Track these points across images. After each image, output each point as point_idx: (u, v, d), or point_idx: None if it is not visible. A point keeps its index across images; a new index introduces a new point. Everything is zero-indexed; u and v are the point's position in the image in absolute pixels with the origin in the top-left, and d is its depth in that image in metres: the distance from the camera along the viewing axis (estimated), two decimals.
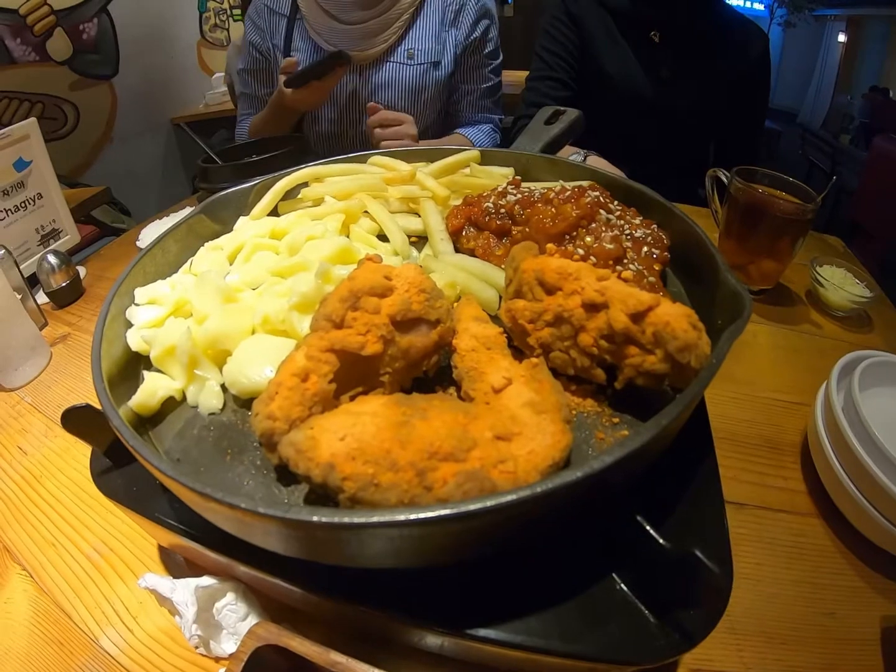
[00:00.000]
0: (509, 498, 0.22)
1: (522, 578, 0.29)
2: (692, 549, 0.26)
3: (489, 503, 0.22)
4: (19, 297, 0.82)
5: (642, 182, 0.74)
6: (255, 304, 0.38)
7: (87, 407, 0.37)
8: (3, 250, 0.82)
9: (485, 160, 0.60)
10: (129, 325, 0.41)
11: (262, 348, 0.35)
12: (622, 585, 0.28)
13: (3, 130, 0.94)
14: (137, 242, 0.99)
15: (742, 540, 0.54)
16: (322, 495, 0.28)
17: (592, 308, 0.29)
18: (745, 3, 15.73)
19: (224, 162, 1.11)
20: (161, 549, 0.54)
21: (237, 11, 4.06)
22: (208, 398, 0.36)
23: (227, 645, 0.39)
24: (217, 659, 0.43)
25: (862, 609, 0.50)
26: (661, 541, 0.27)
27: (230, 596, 0.38)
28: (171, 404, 0.38)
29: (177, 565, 0.50)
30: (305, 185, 0.58)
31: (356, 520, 0.23)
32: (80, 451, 0.67)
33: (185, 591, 0.38)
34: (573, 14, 1.30)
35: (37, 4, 2.96)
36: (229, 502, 0.24)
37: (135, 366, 0.41)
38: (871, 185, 5.28)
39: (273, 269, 0.42)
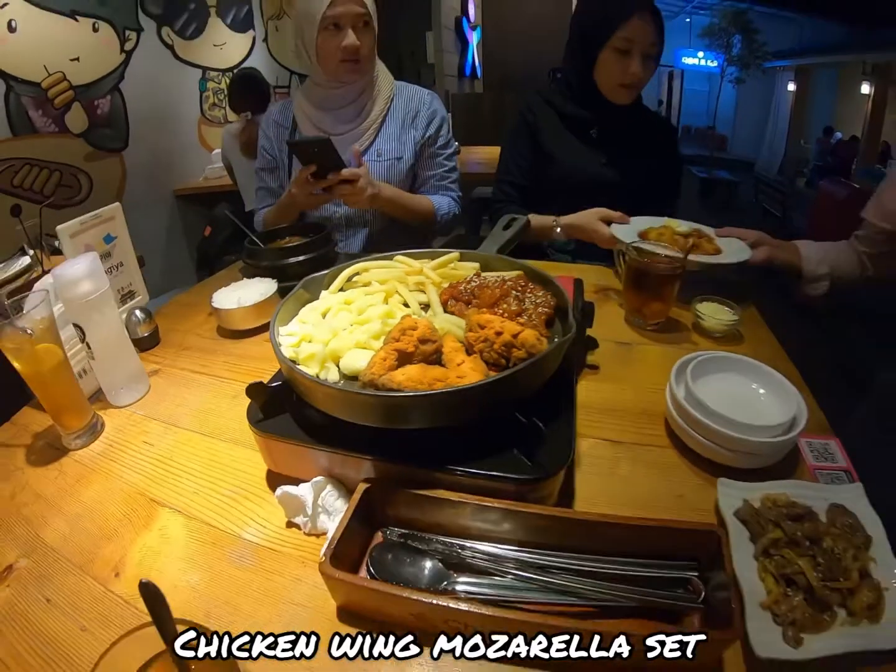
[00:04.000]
0: (461, 387, 0.59)
1: (475, 445, 0.64)
2: (549, 434, 0.62)
3: (453, 388, 0.59)
4: None
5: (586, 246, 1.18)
6: (349, 336, 0.74)
7: (260, 383, 0.71)
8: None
9: (463, 258, 0.96)
10: (279, 344, 0.75)
11: (358, 354, 0.71)
12: (517, 451, 0.63)
13: (97, 212, 1.12)
14: (214, 304, 1.19)
15: (621, 459, 0.81)
16: None
17: (498, 334, 0.66)
18: (699, 62, 16.32)
19: (264, 245, 1.40)
20: (272, 482, 0.77)
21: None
22: (332, 376, 0.72)
23: (326, 522, 0.68)
24: (318, 535, 0.69)
25: (701, 493, 0.75)
26: (540, 425, 0.61)
27: (329, 486, 0.69)
28: None
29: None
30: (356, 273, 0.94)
31: (411, 394, 0.60)
32: (198, 442, 0.89)
33: (305, 488, 0.68)
34: (529, 123, 1.72)
35: (57, 80, 3.27)
36: (361, 392, 0.62)
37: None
38: (817, 226, 5.69)
39: (353, 321, 0.79)
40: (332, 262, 1.35)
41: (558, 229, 1.55)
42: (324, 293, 0.89)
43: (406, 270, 0.91)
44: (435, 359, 0.69)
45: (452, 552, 0.61)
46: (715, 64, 13.74)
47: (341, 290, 0.91)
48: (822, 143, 12.78)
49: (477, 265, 0.94)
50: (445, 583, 0.59)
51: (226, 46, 4.69)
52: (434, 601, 0.53)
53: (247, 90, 3.62)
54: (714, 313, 1.16)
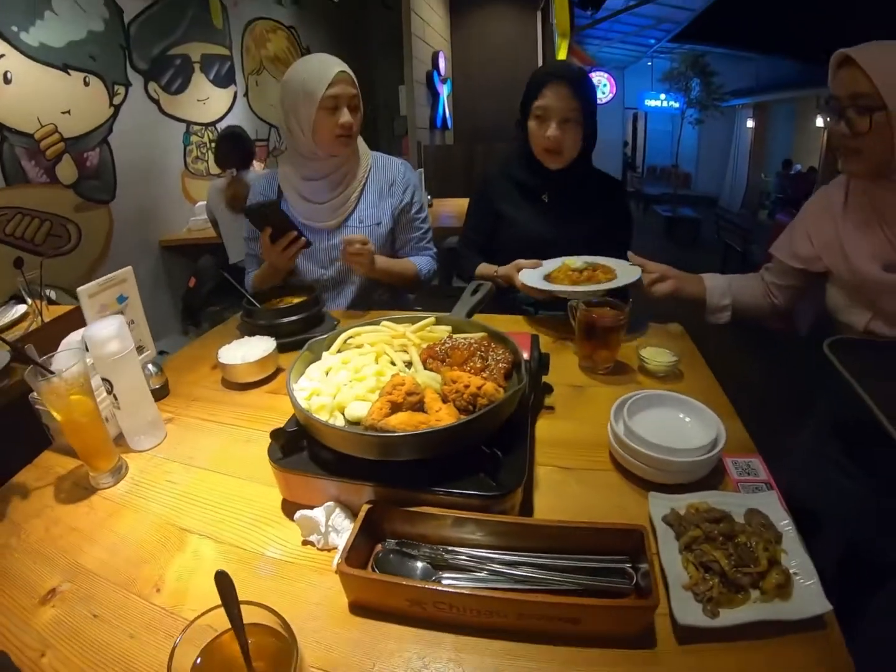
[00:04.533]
0: (439, 428, 0.80)
1: (452, 472, 0.83)
2: (506, 459, 0.81)
3: (433, 429, 0.80)
4: None
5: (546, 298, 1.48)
6: (350, 391, 0.93)
7: (282, 428, 0.88)
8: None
9: (438, 322, 1.15)
10: (296, 397, 0.92)
11: (358, 405, 0.90)
12: (483, 475, 0.82)
13: (112, 275, 1.21)
14: (221, 359, 1.32)
15: (571, 482, 0.96)
16: None
17: (466, 387, 0.86)
18: (661, 104, 16.66)
19: (259, 304, 1.57)
20: (287, 510, 0.89)
21: (213, 144, 4.42)
22: (339, 422, 0.90)
23: (335, 539, 0.83)
24: (330, 550, 0.82)
25: (637, 505, 0.90)
26: (499, 454, 0.80)
27: (338, 510, 0.85)
28: None
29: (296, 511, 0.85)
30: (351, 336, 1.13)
31: (403, 434, 0.80)
32: (217, 480, 0.99)
33: (319, 511, 0.84)
34: (488, 193, 1.93)
35: (50, 131, 3.40)
36: (364, 433, 0.82)
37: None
38: None
39: (351, 377, 0.98)
40: (320, 321, 1.56)
41: (498, 279, 1.75)
42: (325, 354, 1.09)
43: (391, 334, 1.11)
44: (419, 407, 0.88)
45: (438, 555, 0.78)
46: (677, 105, 14.15)
47: (339, 350, 1.10)
48: (782, 175, 13.10)
49: (449, 328, 1.14)
50: (433, 578, 0.76)
51: (209, 101, 4.87)
52: (425, 586, 0.70)
53: (232, 147, 3.77)
54: (655, 356, 1.31)
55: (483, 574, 0.76)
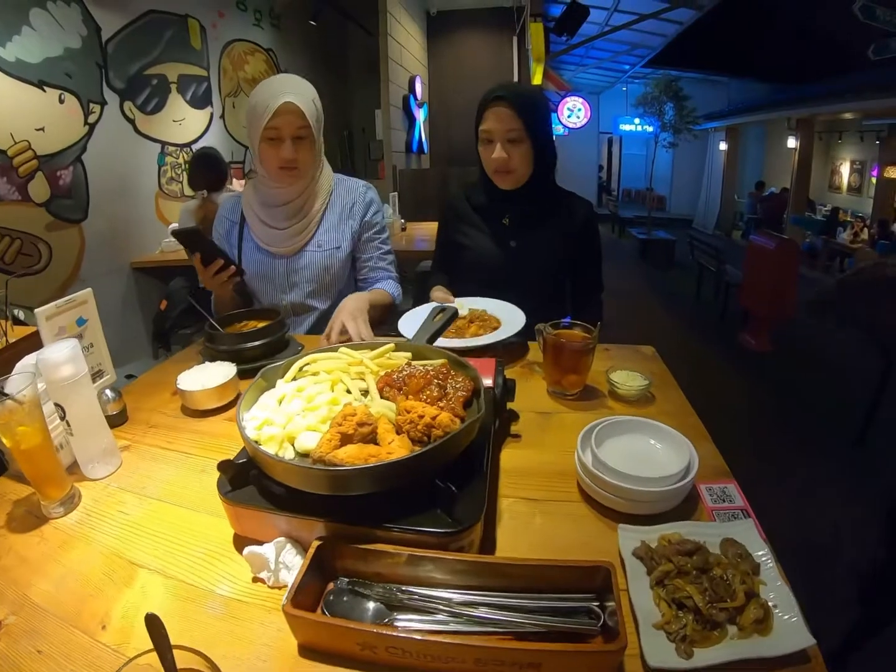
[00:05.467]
0: (390, 461, 0.76)
1: (407, 507, 0.79)
2: (463, 494, 0.78)
3: (384, 462, 0.76)
4: None
5: None
6: (302, 421, 0.90)
7: (230, 460, 0.84)
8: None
9: (398, 348, 1.11)
10: (244, 427, 0.88)
11: (309, 436, 0.87)
12: (439, 510, 0.78)
13: (70, 297, 1.20)
14: (179, 385, 1.28)
15: (536, 514, 0.92)
16: None
17: (420, 417, 0.83)
18: (636, 128, 17.04)
19: (223, 328, 1.53)
20: (238, 545, 0.86)
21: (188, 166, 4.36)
22: (288, 454, 0.86)
23: (287, 576, 0.79)
24: (280, 588, 0.79)
25: (606, 539, 0.86)
26: (453, 489, 0.76)
27: (288, 545, 0.81)
28: None
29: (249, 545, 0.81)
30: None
31: (351, 468, 0.76)
32: (169, 511, 0.96)
33: (268, 547, 0.80)
34: (449, 218, 1.97)
35: (23, 148, 3.36)
36: (310, 466, 0.78)
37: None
38: (750, 276, 6.02)
39: (304, 407, 0.94)
40: (285, 346, 1.52)
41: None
42: (279, 381, 1.05)
43: (349, 361, 1.07)
44: (371, 438, 0.85)
45: (393, 595, 0.74)
46: (651, 129, 14.41)
47: (294, 378, 1.06)
48: (755, 196, 13.45)
49: (409, 355, 1.10)
50: (387, 620, 0.72)
51: (184, 122, 4.87)
52: (376, 630, 0.66)
53: (204, 169, 3.80)
54: (626, 381, 1.29)
55: (441, 616, 0.72)
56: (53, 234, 3.64)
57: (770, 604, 0.71)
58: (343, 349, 1.11)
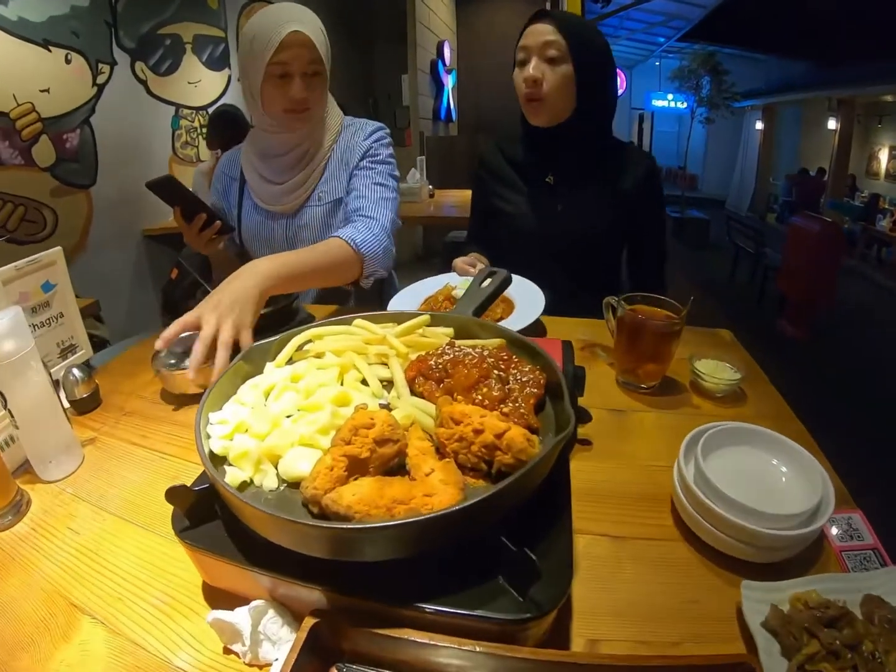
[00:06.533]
0: (427, 517, 0.46)
1: (450, 573, 0.51)
2: (541, 560, 0.50)
3: (417, 518, 0.46)
4: None
5: (566, 303, 1.04)
6: (292, 428, 0.61)
7: (183, 487, 0.58)
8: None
9: (434, 322, 0.84)
10: (209, 435, 0.63)
11: (300, 454, 0.58)
12: (503, 580, 0.50)
13: (34, 257, 1.04)
14: (156, 365, 1.08)
15: (624, 559, 0.71)
16: None
17: (477, 433, 0.54)
18: (669, 104, 16.83)
19: None
20: (209, 594, 0.66)
21: (204, 130, 4.30)
22: (270, 481, 0.58)
23: (269, 652, 0.56)
24: (261, 666, 0.57)
25: (718, 597, 0.65)
26: (533, 557, 0.48)
27: (271, 612, 0.57)
28: (243, 486, 0.59)
29: (223, 602, 0.61)
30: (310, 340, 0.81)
31: (369, 525, 0.47)
32: (129, 534, 0.78)
33: (241, 614, 0.56)
34: (481, 177, 1.71)
35: (26, 110, 3.22)
36: (292, 519, 0.48)
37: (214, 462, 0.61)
38: (790, 261, 5.79)
39: (299, 405, 0.66)
40: (292, 317, 1.25)
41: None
42: (269, 365, 0.76)
43: (366, 338, 0.79)
44: (396, 463, 0.57)
45: None
46: (684, 105, 14.06)
47: (290, 361, 0.79)
48: (792, 178, 13.10)
49: (450, 331, 0.82)
50: None
51: (200, 84, 4.65)
52: None
53: (223, 127, 3.61)
54: (714, 372, 1.07)
55: None
56: (59, 200, 3.49)
57: None
58: (359, 321, 0.83)
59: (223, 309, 0.99)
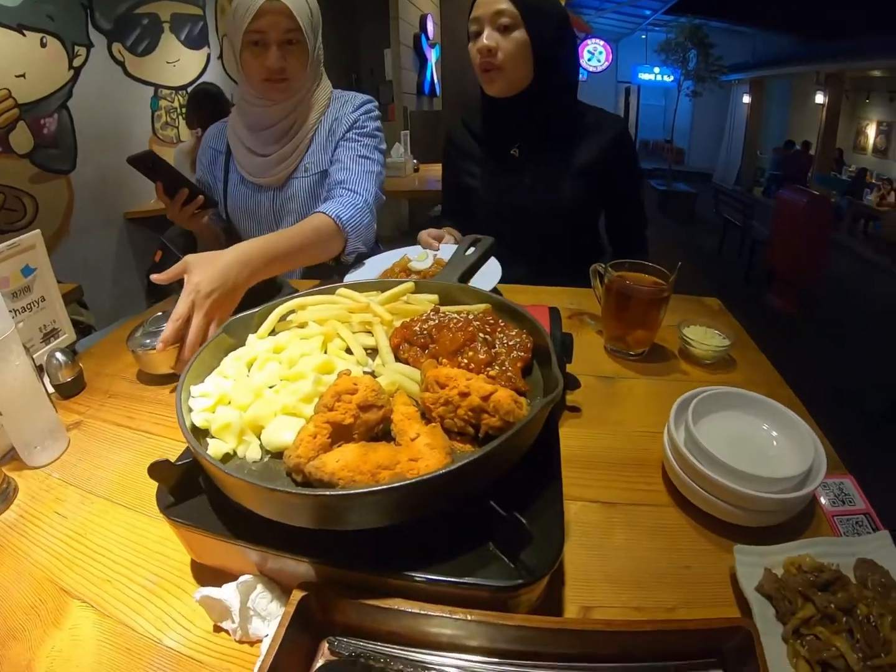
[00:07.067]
0: (412, 481, 0.45)
1: (439, 541, 0.50)
2: (532, 525, 0.49)
3: (402, 483, 0.45)
4: None
5: (545, 274, 1.02)
6: (274, 398, 0.60)
7: (166, 462, 0.57)
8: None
9: (419, 289, 0.82)
10: (190, 409, 0.62)
11: (283, 423, 0.57)
12: (494, 547, 0.49)
13: (12, 241, 1.03)
14: (129, 345, 1.07)
15: (616, 525, 0.71)
16: None
17: (463, 395, 0.53)
18: (655, 78, 16.74)
19: None
20: (197, 572, 0.66)
21: (184, 110, 4.21)
22: (253, 452, 0.57)
23: (259, 628, 0.56)
24: (252, 643, 0.57)
25: (711, 562, 0.65)
26: (522, 521, 0.47)
27: (259, 587, 0.56)
28: (226, 458, 0.58)
29: (212, 580, 0.61)
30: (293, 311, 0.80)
31: (353, 491, 0.46)
32: (117, 516, 0.77)
33: (230, 591, 0.55)
34: (450, 154, 1.67)
35: (2, 96, 3.16)
36: (275, 488, 0.47)
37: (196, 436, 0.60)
38: (778, 234, 5.78)
39: (282, 375, 0.64)
40: (276, 292, 1.22)
41: None
42: (251, 337, 0.75)
43: (349, 307, 0.77)
44: (381, 429, 0.56)
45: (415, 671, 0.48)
46: (671, 79, 13.97)
47: (273, 332, 0.77)
48: (779, 152, 13.08)
49: (435, 297, 0.81)
50: None
51: (179, 63, 4.56)
52: None
53: (202, 105, 3.58)
54: (703, 338, 1.08)
55: None
56: (39, 186, 3.44)
57: None
58: (343, 290, 0.81)
59: (199, 298, 1.00)
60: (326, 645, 0.51)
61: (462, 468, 0.46)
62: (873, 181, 10.66)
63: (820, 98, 11.99)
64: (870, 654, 0.51)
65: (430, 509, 0.49)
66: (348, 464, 0.48)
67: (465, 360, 0.62)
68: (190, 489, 0.58)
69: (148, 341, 1.05)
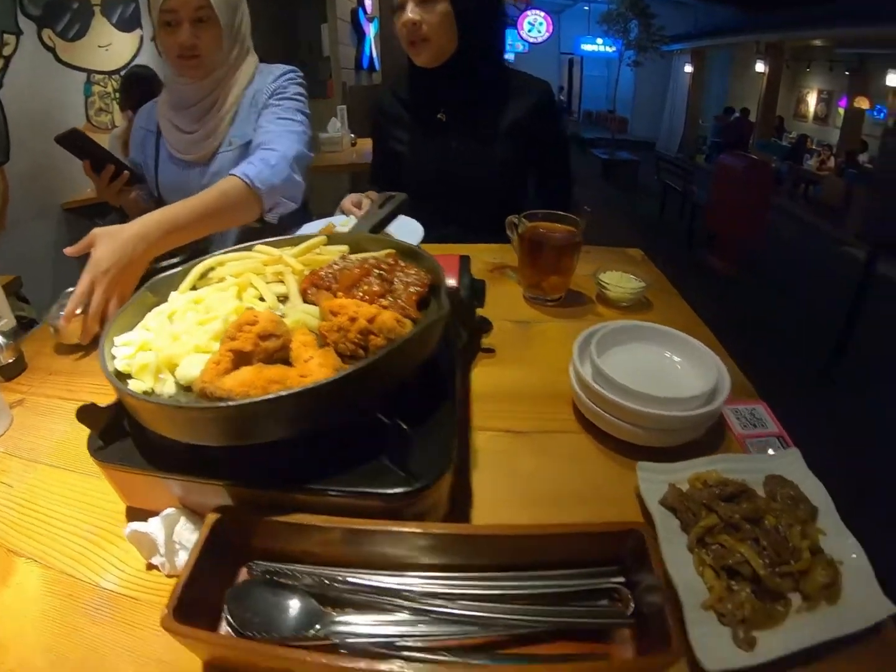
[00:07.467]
0: (299, 389, 0.50)
1: (339, 456, 0.55)
2: (425, 439, 0.54)
3: (290, 392, 0.50)
4: None
5: (472, 236, 1.15)
6: (188, 339, 0.64)
7: (92, 405, 0.61)
8: None
9: (331, 241, 0.87)
10: (113, 357, 0.65)
11: (196, 359, 0.61)
12: (385, 459, 0.54)
13: None
14: (47, 319, 1.14)
15: (525, 451, 0.75)
16: None
17: (353, 320, 0.58)
18: (598, 48, 16.77)
19: None
20: (132, 517, 0.67)
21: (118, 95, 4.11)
22: (168, 388, 0.61)
23: (185, 559, 0.57)
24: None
25: (620, 482, 0.69)
26: (405, 427, 0.52)
27: (183, 519, 0.60)
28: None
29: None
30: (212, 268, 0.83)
31: (245, 401, 0.51)
32: (58, 478, 0.80)
33: (155, 524, 0.59)
34: (379, 124, 1.71)
35: None
36: (179, 405, 0.53)
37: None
38: (717, 197, 5.95)
39: (198, 321, 0.68)
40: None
41: None
42: (173, 294, 0.79)
43: (264, 260, 0.81)
44: (281, 356, 0.60)
45: (328, 586, 0.52)
46: (613, 49, 14.04)
47: (193, 288, 0.81)
48: (721, 119, 13.34)
49: (345, 248, 0.85)
50: (319, 625, 0.49)
51: (112, 47, 4.44)
52: (306, 657, 0.43)
53: (133, 88, 3.57)
54: (618, 282, 1.13)
55: (400, 615, 0.50)
56: None
57: (836, 559, 0.56)
58: (259, 247, 0.85)
59: (98, 275, 1.05)
60: (246, 570, 0.56)
61: (345, 377, 0.51)
62: (814, 147, 11.09)
63: (760, 67, 12.30)
64: (778, 562, 0.54)
65: (323, 420, 0.54)
66: (244, 381, 0.52)
67: (361, 294, 0.67)
68: (117, 433, 0.63)
69: (61, 313, 1.08)
